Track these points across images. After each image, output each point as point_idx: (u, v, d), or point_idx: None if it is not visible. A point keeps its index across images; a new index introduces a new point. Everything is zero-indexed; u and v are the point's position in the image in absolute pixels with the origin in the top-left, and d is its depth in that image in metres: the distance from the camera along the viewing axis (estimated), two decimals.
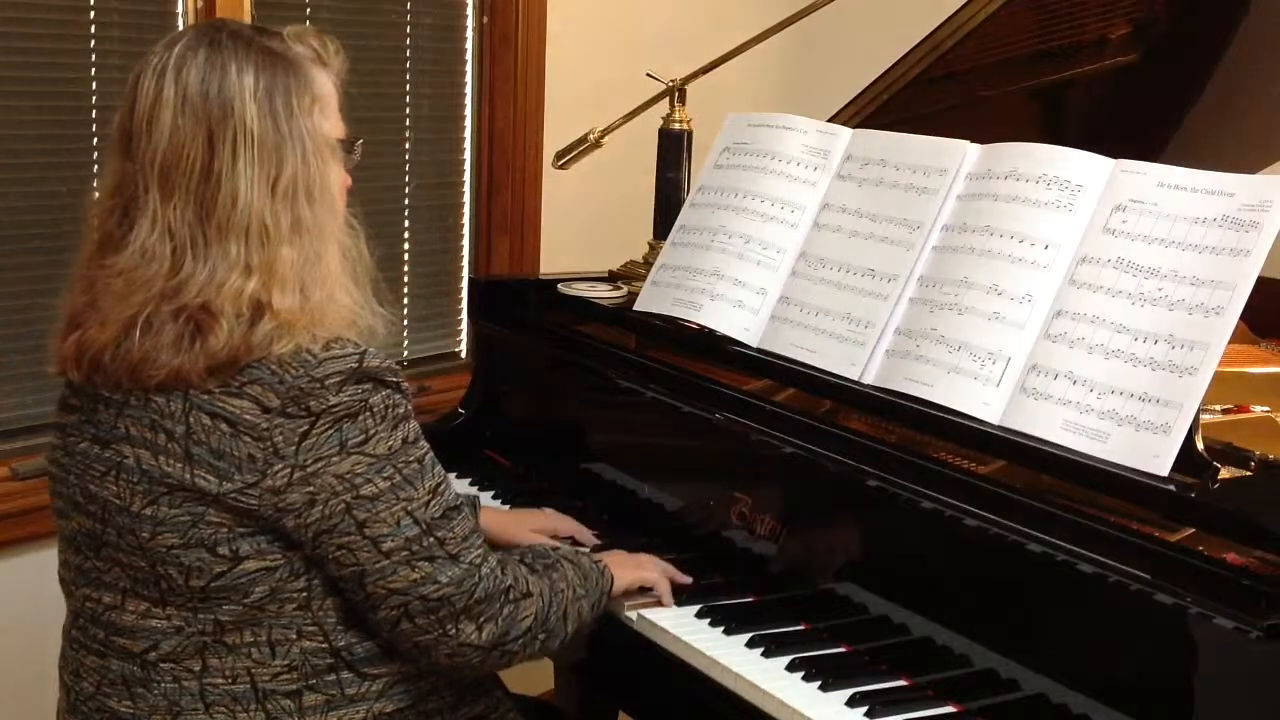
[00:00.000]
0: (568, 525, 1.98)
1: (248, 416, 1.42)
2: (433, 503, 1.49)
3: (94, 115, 2.46)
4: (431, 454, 1.52)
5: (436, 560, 1.48)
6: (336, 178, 1.54)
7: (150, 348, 1.42)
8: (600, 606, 1.69)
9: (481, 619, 1.51)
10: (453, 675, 1.59)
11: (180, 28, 2.54)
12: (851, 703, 1.53)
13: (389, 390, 1.47)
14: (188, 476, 1.43)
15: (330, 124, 1.54)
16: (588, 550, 1.75)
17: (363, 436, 1.44)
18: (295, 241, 1.46)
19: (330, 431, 1.43)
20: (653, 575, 1.77)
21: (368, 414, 1.45)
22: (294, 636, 1.49)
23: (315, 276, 1.47)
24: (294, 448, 1.42)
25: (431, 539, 1.48)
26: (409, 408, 1.50)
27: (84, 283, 1.51)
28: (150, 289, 1.43)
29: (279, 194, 1.46)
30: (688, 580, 1.81)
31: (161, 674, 1.49)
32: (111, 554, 1.49)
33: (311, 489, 1.43)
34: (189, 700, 1.49)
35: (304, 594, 1.49)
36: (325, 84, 1.54)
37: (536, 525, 1.96)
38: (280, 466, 1.42)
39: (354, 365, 1.44)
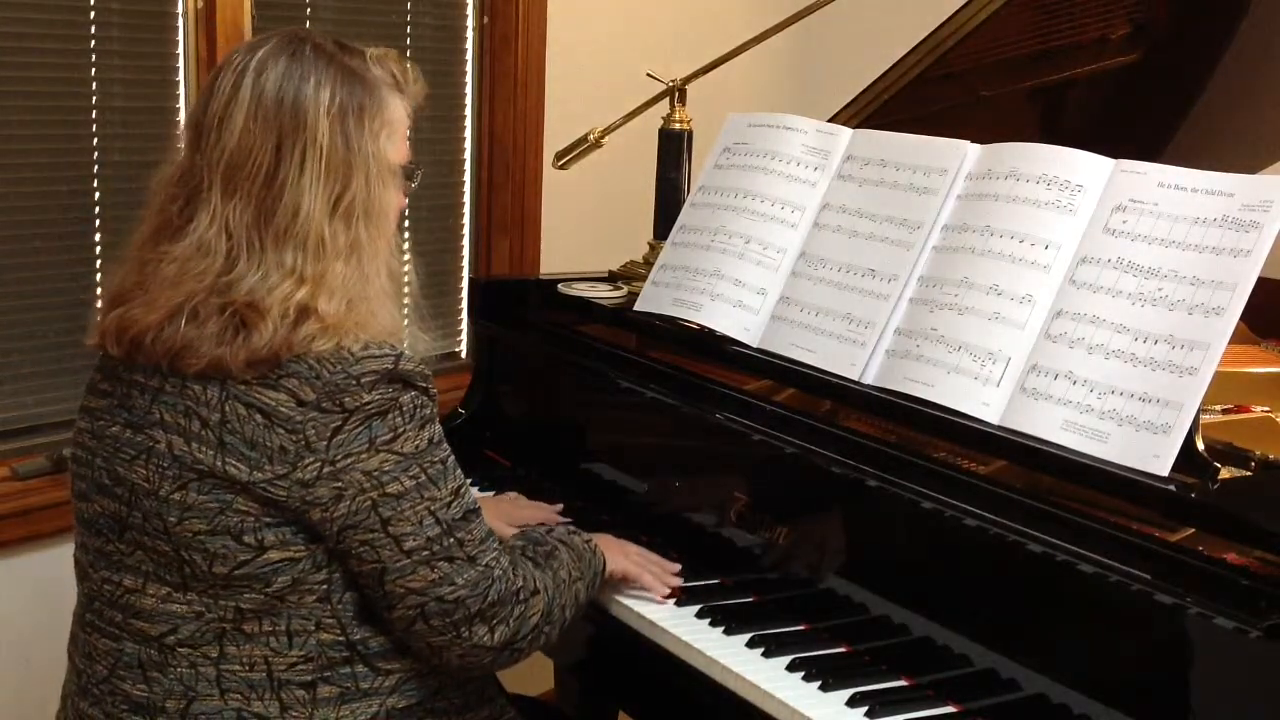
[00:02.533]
0: (539, 515, 1.98)
1: (283, 409, 1.44)
2: (454, 504, 1.51)
3: (94, 115, 2.46)
4: (453, 457, 1.54)
5: (455, 561, 1.50)
6: (393, 202, 1.57)
7: (194, 337, 1.45)
8: (595, 587, 1.71)
9: (494, 621, 1.53)
10: (461, 675, 1.60)
11: (180, 28, 2.55)
12: (851, 703, 1.53)
13: (417, 392, 1.49)
14: (219, 464, 1.45)
15: (395, 149, 1.56)
16: (575, 528, 1.76)
17: (391, 434, 1.47)
18: (350, 259, 1.50)
19: (360, 428, 1.45)
20: (635, 569, 1.77)
21: (397, 413, 1.47)
22: (312, 628, 1.51)
23: (362, 294, 1.51)
24: (325, 442, 1.44)
25: (451, 539, 1.50)
26: (434, 411, 1.53)
27: (135, 263, 1.53)
28: (201, 281, 1.46)
29: (339, 212, 1.49)
30: (676, 567, 1.81)
31: (178, 658, 1.50)
32: (135, 537, 1.51)
33: (340, 484, 1.45)
34: (205, 686, 1.50)
35: (324, 586, 1.51)
36: (398, 109, 1.56)
37: (512, 520, 1.92)
38: (311, 460, 1.44)
39: (389, 366, 1.47)
